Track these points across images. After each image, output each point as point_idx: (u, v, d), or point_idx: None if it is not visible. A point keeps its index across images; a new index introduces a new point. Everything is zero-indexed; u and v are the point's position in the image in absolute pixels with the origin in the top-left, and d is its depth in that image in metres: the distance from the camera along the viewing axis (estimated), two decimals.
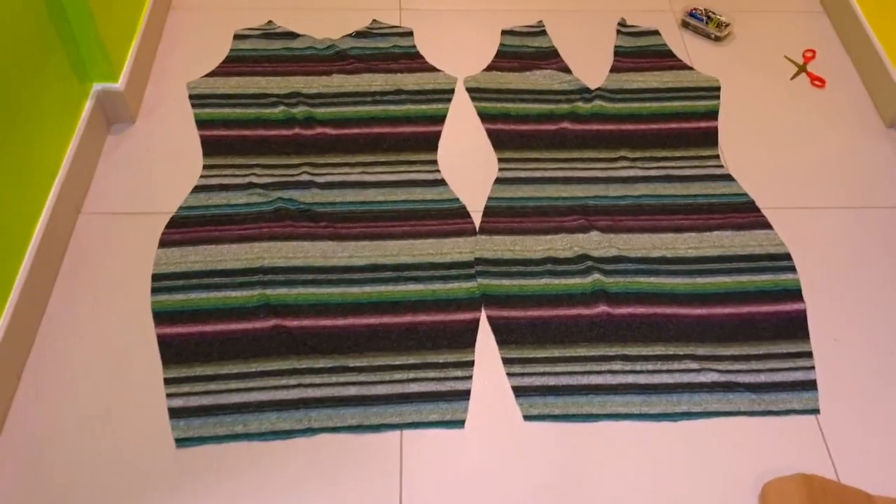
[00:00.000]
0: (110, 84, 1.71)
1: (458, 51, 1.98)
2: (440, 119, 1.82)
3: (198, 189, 1.66)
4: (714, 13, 2.03)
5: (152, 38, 1.92)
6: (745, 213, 1.66)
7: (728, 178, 1.72)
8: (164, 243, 1.57)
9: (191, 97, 1.84)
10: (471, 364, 1.42)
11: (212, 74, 1.88)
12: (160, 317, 1.46)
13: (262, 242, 1.57)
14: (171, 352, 1.42)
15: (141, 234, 1.58)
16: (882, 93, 1.87)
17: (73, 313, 1.46)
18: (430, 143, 1.78)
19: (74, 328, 1.44)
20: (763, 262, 1.58)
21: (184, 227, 1.59)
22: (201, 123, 1.78)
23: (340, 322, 1.46)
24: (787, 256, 1.59)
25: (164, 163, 1.71)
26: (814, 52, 1.99)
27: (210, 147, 1.74)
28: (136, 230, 1.59)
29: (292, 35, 1.98)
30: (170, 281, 1.51)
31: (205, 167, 1.70)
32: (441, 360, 1.42)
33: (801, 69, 1.95)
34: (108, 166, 1.70)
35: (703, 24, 2.02)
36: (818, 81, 1.93)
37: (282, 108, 1.81)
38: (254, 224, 1.60)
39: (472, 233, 1.61)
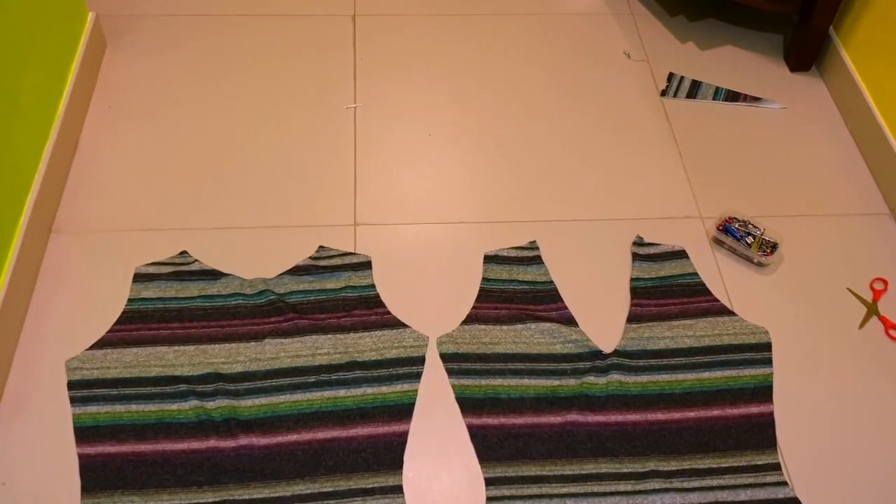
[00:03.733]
0: None
1: (430, 286, 1.52)
2: (406, 411, 1.36)
3: None
4: (756, 227, 1.59)
5: (24, 281, 1.44)
6: None
7: (795, 503, 1.29)
8: None
9: (70, 385, 1.36)
10: None
11: (101, 344, 1.41)
12: None
13: None
14: None
15: None
16: None
17: None
18: (393, 454, 1.31)
19: None
20: None
21: None
22: (82, 433, 1.30)
23: None
24: None
25: None
26: (885, 282, 1.56)
27: (91, 477, 1.26)
28: None
29: (213, 275, 1.51)
30: None
31: None
32: None
33: (872, 310, 1.52)
34: None
35: (742, 244, 1.57)
36: (895, 330, 1.49)
37: (193, 402, 1.33)
38: None
39: None
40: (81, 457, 1.28)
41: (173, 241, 1.56)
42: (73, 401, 1.34)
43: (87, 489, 1.25)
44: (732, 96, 1.89)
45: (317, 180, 1.68)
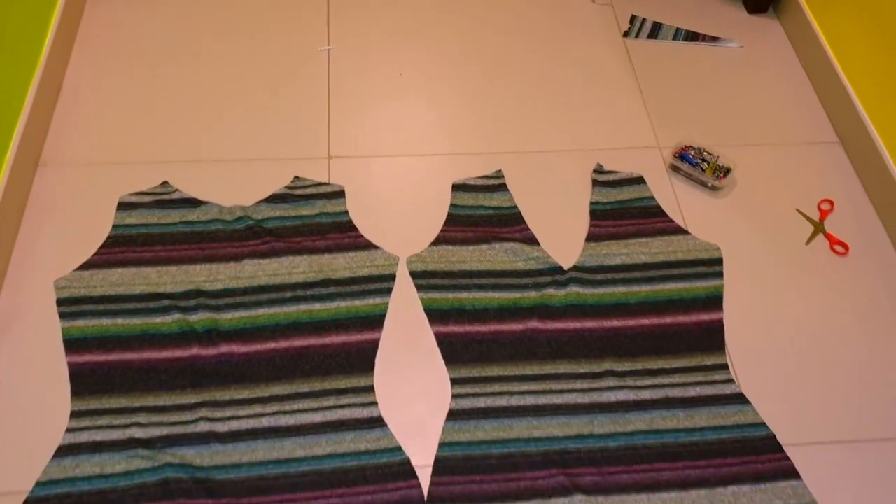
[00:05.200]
0: None
1: (400, 213, 1.60)
2: (378, 321, 1.45)
3: (63, 451, 1.26)
4: (710, 154, 1.68)
5: (12, 210, 1.51)
6: (765, 456, 1.31)
7: (740, 399, 1.37)
8: None
9: (59, 302, 1.44)
10: None
11: (87, 266, 1.49)
12: None
13: None
14: None
15: None
16: None
17: None
18: (365, 358, 1.40)
19: None
20: None
21: None
22: (71, 344, 1.39)
23: None
24: None
25: (18, 410, 1.31)
26: (831, 203, 1.65)
27: (81, 382, 1.34)
28: None
29: (193, 203, 1.59)
30: None
31: (73, 415, 1.31)
32: None
33: (819, 229, 1.61)
34: None
35: (697, 170, 1.66)
36: (840, 247, 1.58)
37: (176, 315, 1.41)
38: None
39: (419, 503, 1.24)
40: (71, 365, 1.36)
41: (155, 173, 1.64)
42: (62, 316, 1.42)
43: (76, 393, 1.33)
44: (692, 36, 1.97)
45: (292, 117, 1.75)
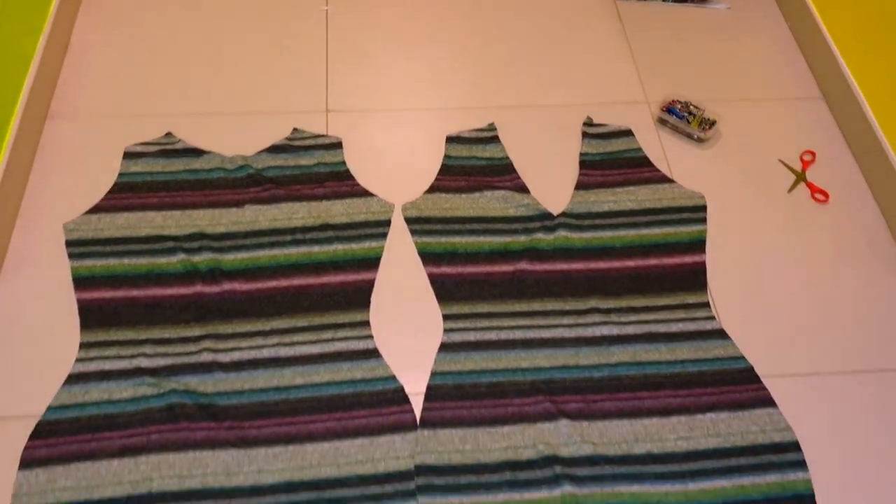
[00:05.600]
0: None
1: (396, 164, 1.66)
2: (373, 263, 1.51)
3: (72, 379, 1.33)
4: (696, 108, 1.73)
5: (22, 160, 1.57)
6: (743, 386, 1.37)
7: (721, 334, 1.43)
8: (26, 462, 1.24)
9: (68, 243, 1.50)
10: None
11: (95, 210, 1.55)
12: None
13: (151, 455, 1.25)
14: None
15: None
16: (894, 206, 1.59)
17: None
18: (362, 296, 1.46)
19: None
20: (767, 455, 1.29)
21: (52, 438, 1.26)
22: (79, 282, 1.45)
23: None
24: (795, 446, 1.30)
25: (30, 341, 1.38)
26: (813, 154, 1.70)
27: (89, 316, 1.41)
28: None
29: (196, 152, 1.65)
30: None
31: (82, 345, 1.37)
32: None
33: (800, 178, 1.66)
34: None
35: (683, 122, 1.72)
36: (820, 195, 1.64)
37: (181, 256, 1.48)
38: (141, 428, 1.28)
39: (412, 426, 1.31)
40: (80, 300, 1.43)
41: (159, 125, 1.70)
42: (71, 256, 1.48)
43: (85, 326, 1.39)
44: None
45: (292, 72, 1.81)
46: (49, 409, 1.30)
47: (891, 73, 1.63)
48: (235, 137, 1.68)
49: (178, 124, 1.70)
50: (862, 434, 1.33)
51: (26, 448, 1.26)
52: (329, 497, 1.22)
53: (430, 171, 1.65)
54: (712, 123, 1.71)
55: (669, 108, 1.73)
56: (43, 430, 1.27)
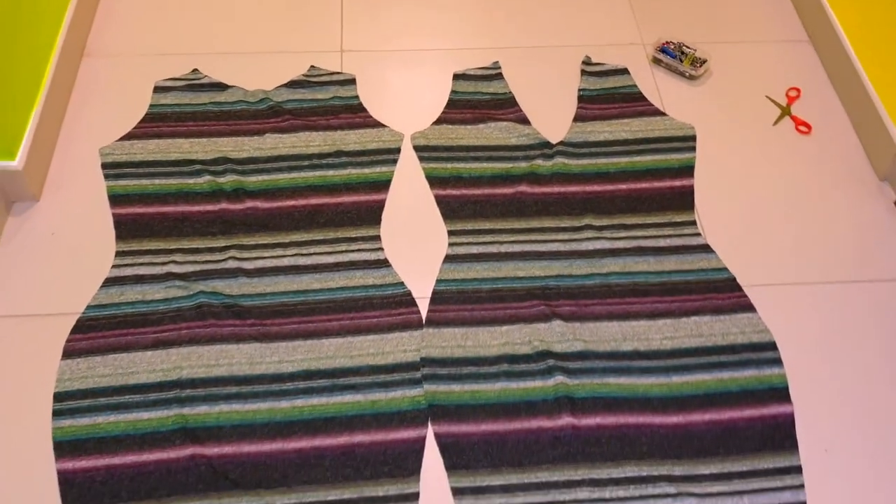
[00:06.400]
0: (6, 162, 1.51)
1: (406, 99, 1.78)
2: (384, 185, 1.63)
3: (109, 282, 1.46)
4: (689, 48, 1.84)
5: (61, 93, 1.70)
6: (725, 294, 1.48)
7: (706, 249, 1.54)
8: (68, 353, 1.37)
9: (103, 166, 1.63)
10: (415, 497, 1.25)
11: (128, 137, 1.68)
12: (62, 448, 1.27)
13: (181, 348, 1.38)
14: (75, 492, 1.23)
15: (42, 342, 1.39)
16: (875, 140, 1.69)
17: None
18: (373, 214, 1.58)
19: None
20: (746, 353, 1.41)
21: (92, 332, 1.40)
22: (114, 199, 1.58)
23: (266, 447, 1.28)
24: (772, 346, 1.42)
25: (71, 250, 1.51)
26: (798, 90, 1.80)
27: (124, 228, 1.54)
28: (37, 337, 1.39)
29: (220, 86, 1.77)
30: (74, 401, 1.32)
31: (118, 254, 1.50)
32: (381, 494, 1.24)
33: (785, 112, 1.77)
34: (6, 257, 1.49)
35: (676, 61, 1.82)
36: (804, 127, 1.74)
37: (207, 177, 1.60)
38: (172, 324, 1.41)
39: (419, 325, 1.43)
40: (115, 215, 1.56)
41: (186, 62, 1.82)
42: (107, 177, 1.61)
43: (120, 237, 1.52)
44: None
45: (309, 14, 1.93)
46: (88, 307, 1.43)
47: (871, 15, 1.73)
48: (257, 74, 1.81)
49: (204, 62, 1.82)
50: (836, 337, 1.44)
51: (68, 341, 1.39)
52: (343, 384, 1.35)
53: (437, 105, 1.77)
54: (703, 62, 1.81)
55: (663, 49, 1.84)
56: (83, 326, 1.41)
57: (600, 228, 1.56)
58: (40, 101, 1.62)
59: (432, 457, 1.28)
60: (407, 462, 1.28)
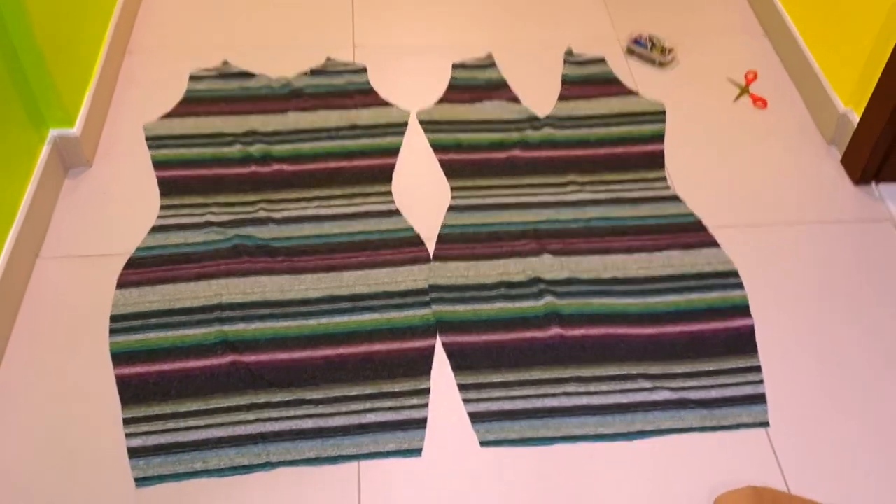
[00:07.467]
0: (66, 129, 1.73)
1: (411, 85, 2.03)
2: (394, 151, 1.86)
3: (155, 229, 1.68)
4: (658, 39, 2.09)
5: (108, 81, 1.94)
6: (692, 233, 1.70)
7: (675, 199, 1.77)
8: (122, 284, 1.58)
9: (147, 139, 1.86)
10: (427, 392, 1.44)
11: (168, 116, 1.91)
12: (118, 357, 1.47)
13: (220, 280, 1.59)
14: (130, 392, 1.43)
15: (99, 277, 1.59)
16: (821, 111, 1.93)
17: (31, 357, 1.47)
18: (385, 174, 1.81)
19: (33, 372, 1.44)
20: (711, 279, 1.62)
21: (142, 268, 1.61)
22: (158, 164, 1.81)
23: (297, 355, 1.48)
24: (735, 274, 1.63)
25: (121, 205, 1.73)
26: (756, 73, 2.06)
27: (167, 187, 1.76)
28: (95, 272, 1.60)
29: (248, 75, 2.02)
30: (128, 322, 1.52)
31: (162, 207, 1.72)
32: (397, 389, 1.44)
33: (744, 91, 2.02)
34: (65, 210, 1.71)
35: (647, 50, 2.08)
36: (760, 102, 1.99)
37: (238, 146, 1.83)
38: (211, 262, 1.62)
39: (427, 260, 1.64)
40: (159, 177, 1.78)
41: (217, 55, 2.07)
42: (150, 147, 1.84)
43: (164, 193, 1.75)
44: None
45: (325, 13, 2.20)
46: (138, 249, 1.64)
47: (818, 5, 1.99)
48: (280, 65, 2.05)
49: (233, 55, 2.08)
50: (788, 266, 1.65)
51: (121, 275, 1.59)
52: (362, 306, 1.55)
53: (439, 90, 2.01)
54: (671, 51, 2.07)
55: (636, 41, 2.10)
56: (134, 263, 1.61)
57: (583, 184, 1.79)
58: (92, 85, 1.85)
59: (441, 363, 1.48)
60: (419, 364, 1.48)
